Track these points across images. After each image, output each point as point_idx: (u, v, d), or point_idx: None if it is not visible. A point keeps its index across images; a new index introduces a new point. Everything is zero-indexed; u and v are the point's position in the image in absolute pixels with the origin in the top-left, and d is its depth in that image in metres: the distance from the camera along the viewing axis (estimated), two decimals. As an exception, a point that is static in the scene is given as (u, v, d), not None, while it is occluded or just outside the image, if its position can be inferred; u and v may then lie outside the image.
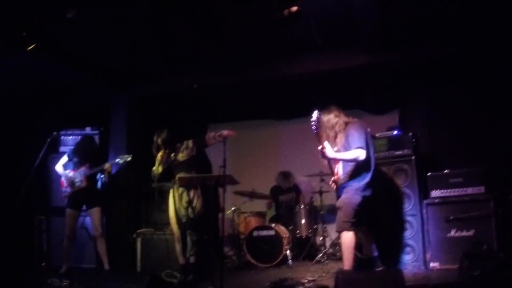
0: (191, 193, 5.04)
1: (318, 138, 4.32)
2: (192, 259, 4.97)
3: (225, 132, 4.96)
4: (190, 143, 5.19)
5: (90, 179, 5.62)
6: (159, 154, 5.14)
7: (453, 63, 5.85)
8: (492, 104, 5.73)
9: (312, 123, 4.23)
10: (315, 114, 4.25)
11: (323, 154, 4.28)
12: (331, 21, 5.20)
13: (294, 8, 4.62)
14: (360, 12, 4.93)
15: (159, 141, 5.12)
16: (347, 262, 4.28)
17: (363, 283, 3.73)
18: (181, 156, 5.15)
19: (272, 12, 4.70)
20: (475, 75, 5.85)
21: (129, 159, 5.53)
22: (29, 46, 4.98)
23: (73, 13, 4.55)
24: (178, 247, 5.10)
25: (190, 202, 4.98)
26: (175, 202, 5.11)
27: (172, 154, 5.15)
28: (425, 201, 5.16)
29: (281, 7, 4.63)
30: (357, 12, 4.94)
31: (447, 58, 5.77)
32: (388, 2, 4.84)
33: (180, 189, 5.09)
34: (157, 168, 5.15)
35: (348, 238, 4.29)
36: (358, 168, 4.34)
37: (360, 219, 4.41)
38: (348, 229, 4.28)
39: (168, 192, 5.36)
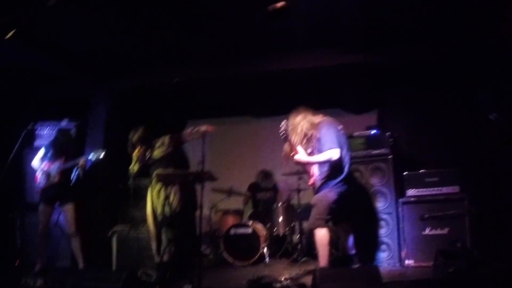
0: (168, 190, 4.99)
1: (289, 145, 4.36)
2: (165, 257, 4.91)
3: (203, 128, 4.89)
4: (166, 139, 5.12)
5: (64, 174, 5.48)
6: (135, 152, 5.08)
7: (431, 65, 5.96)
8: (469, 106, 5.84)
9: (281, 133, 4.28)
10: (283, 125, 4.30)
11: (295, 160, 4.31)
12: (313, 20, 5.22)
13: (280, 4, 4.62)
14: (343, 12, 4.97)
15: (135, 139, 5.06)
16: (323, 259, 4.30)
17: (341, 279, 3.75)
18: (157, 153, 5.09)
19: (257, 7, 4.69)
20: (453, 78, 5.97)
21: (102, 155, 5.42)
22: (7, 35, 4.84)
23: (54, 1, 4.47)
24: (154, 245, 5.05)
25: (166, 198, 4.93)
26: (152, 200, 5.06)
27: (148, 152, 5.08)
28: (401, 200, 5.24)
29: (266, 2, 4.63)
30: (341, 12, 4.98)
31: (426, 61, 5.87)
32: (371, 4, 4.88)
33: (158, 186, 5.03)
34: (133, 167, 5.09)
35: (321, 235, 4.30)
36: (333, 167, 4.35)
37: (338, 216, 4.44)
38: (321, 226, 4.30)
39: (145, 189, 5.32)
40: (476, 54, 5.52)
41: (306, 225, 6.21)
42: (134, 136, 5.07)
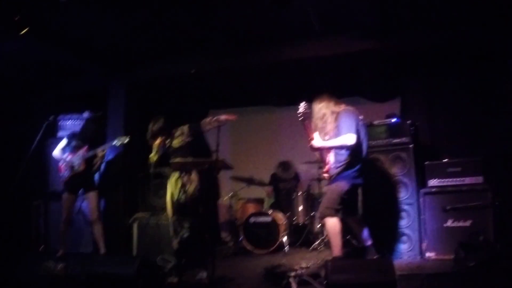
0: (186, 178, 5.03)
1: (305, 128, 4.28)
2: (177, 244, 4.97)
3: (222, 117, 4.88)
4: (186, 128, 5.15)
5: (88, 162, 5.61)
6: (156, 142, 5.13)
7: (454, 51, 5.75)
8: (494, 94, 5.64)
9: (299, 115, 4.18)
10: (301, 106, 4.20)
11: (311, 146, 4.25)
12: (330, 5, 5.10)
13: None
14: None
15: (155, 129, 5.10)
16: (335, 249, 4.26)
17: (352, 270, 3.67)
18: (176, 142, 5.13)
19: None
20: (477, 64, 5.76)
21: (126, 140, 5.49)
22: (22, 31, 4.94)
23: None
24: (172, 232, 5.11)
25: (183, 186, 4.98)
26: (171, 188, 5.11)
27: (168, 141, 5.13)
28: (422, 190, 5.10)
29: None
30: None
31: (449, 46, 5.65)
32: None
33: (177, 174, 5.08)
34: (154, 156, 5.15)
35: (332, 224, 4.24)
36: (349, 156, 4.27)
37: (350, 208, 4.36)
38: (331, 215, 4.23)
39: (165, 178, 5.41)
40: (503, 39, 5.26)
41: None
42: (154, 126, 5.11)
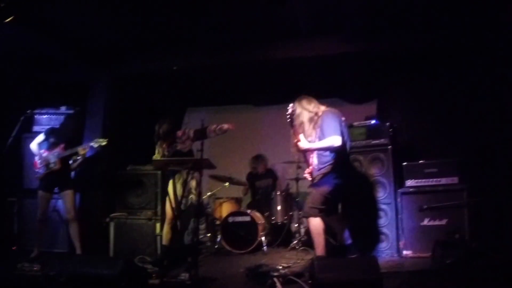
0: (193, 182, 5.09)
1: (293, 131, 4.28)
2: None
3: (225, 126, 5.04)
4: (191, 133, 5.17)
5: (64, 161, 5.47)
6: (160, 146, 5.13)
7: (431, 54, 5.89)
8: (470, 96, 5.82)
9: (288, 117, 4.19)
10: (290, 107, 4.22)
11: (297, 147, 4.26)
12: (314, 7, 5.17)
13: None
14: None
15: (162, 132, 5.11)
16: (319, 248, 4.30)
17: (339, 269, 3.72)
18: (185, 147, 5.17)
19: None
20: (454, 67, 5.93)
21: (104, 143, 5.40)
22: (7, 18, 4.77)
23: None
24: (166, 229, 5.12)
25: (194, 188, 5.02)
26: (175, 188, 5.07)
27: (175, 144, 5.15)
28: (399, 190, 5.23)
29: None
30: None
31: (426, 49, 5.80)
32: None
33: (185, 176, 5.08)
34: (158, 158, 5.12)
35: (315, 224, 4.29)
36: (332, 157, 4.31)
37: (332, 207, 4.42)
38: (314, 215, 4.28)
39: (142, 176, 5.54)
40: (479, 42, 5.46)
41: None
42: (160, 130, 5.12)
